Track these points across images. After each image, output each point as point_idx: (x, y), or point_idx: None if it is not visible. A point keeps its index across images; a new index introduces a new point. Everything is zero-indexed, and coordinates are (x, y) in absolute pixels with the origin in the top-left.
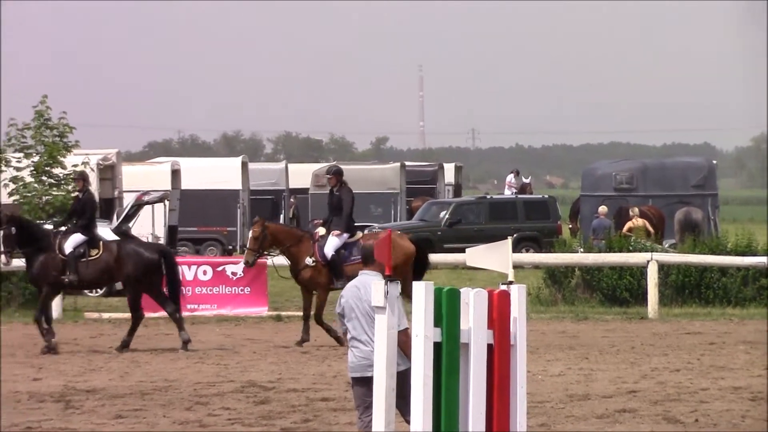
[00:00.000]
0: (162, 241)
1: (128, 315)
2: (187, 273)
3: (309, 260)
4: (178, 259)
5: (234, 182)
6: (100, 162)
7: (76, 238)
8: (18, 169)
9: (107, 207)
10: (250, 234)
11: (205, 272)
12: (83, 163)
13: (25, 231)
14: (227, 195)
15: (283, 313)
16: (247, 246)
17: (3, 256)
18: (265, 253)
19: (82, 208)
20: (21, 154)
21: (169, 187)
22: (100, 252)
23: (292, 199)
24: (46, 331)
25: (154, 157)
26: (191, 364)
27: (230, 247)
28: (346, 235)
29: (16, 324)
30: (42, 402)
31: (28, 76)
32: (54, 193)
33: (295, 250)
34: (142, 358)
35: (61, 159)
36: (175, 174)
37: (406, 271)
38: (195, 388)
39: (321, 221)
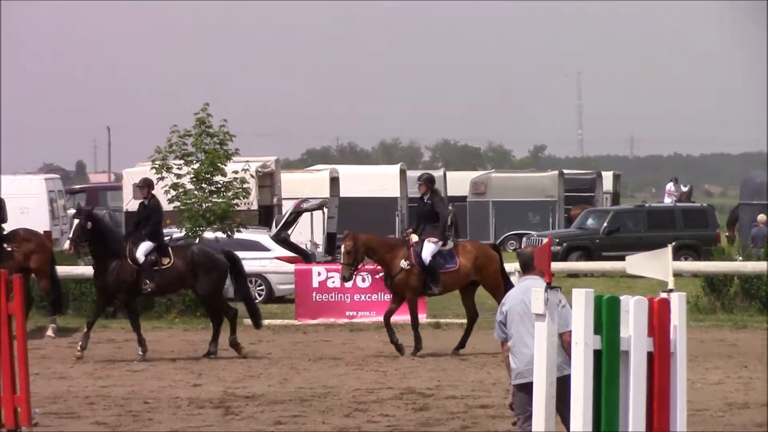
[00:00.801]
0: (320, 249)
1: (288, 321)
2: None
3: (404, 263)
4: (338, 266)
5: (392, 190)
6: (260, 169)
7: (146, 245)
8: (179, 176)
9: (266, 214)
10: (343, 248)
11: (364, 279)
12: (244, 170)
13: (100, 231)
14: (386, 202)
15: (442, 321)
16: (342, 261)
17: (69, 244)
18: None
19: (147, 215)
20: (182, 161)
21: (327, 194)
22: (172, 260)
23: (450, 207)
24: (84, 336)
25: (312, 165)
26: (350, 371)
27: None
28: (440, 243)
29: (175, 330)
30: (202, 408)
31: (186, 83)
32: (214, 200)
33: (390, 256)
34: (301, 364)
35: (222, 166)
36: (334, 181)
37: (498, 279)
38: (354, 394)
39: (411, 230)
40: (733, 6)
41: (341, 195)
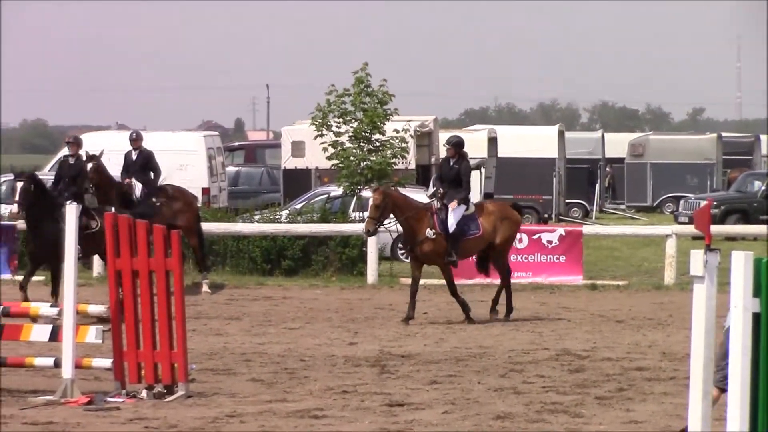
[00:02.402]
0: None
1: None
2: None
3: (430, 232)
4: None
5: (550, 151)
6: (418, 129)
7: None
8: (337, 134)
9: (424, 174)
10: (371, 202)
11: (521, 240)
12: (404, 129)
13: (39, 194)
14: (543, 163)
15: (598, 282)
16: (368, 215)
17: (17, 207)
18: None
19: (75, 175)
20: (341, 120)
21: (485, 154)
22: (99, 224)
23: (608, 169)
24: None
25: (470, 125)
26: (506, 331)
27: (546, 216)
28: (464, 207)
29: (332, 288)
30: (357, 366)
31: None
32: (372, 158)
33: (414, 221)
34: (457, 324)
35: (381, 125)
36: (492, 141)
37: (507, 246)
38: (510, 355)
39: (432, 192)
40: None
41: (499, 155)
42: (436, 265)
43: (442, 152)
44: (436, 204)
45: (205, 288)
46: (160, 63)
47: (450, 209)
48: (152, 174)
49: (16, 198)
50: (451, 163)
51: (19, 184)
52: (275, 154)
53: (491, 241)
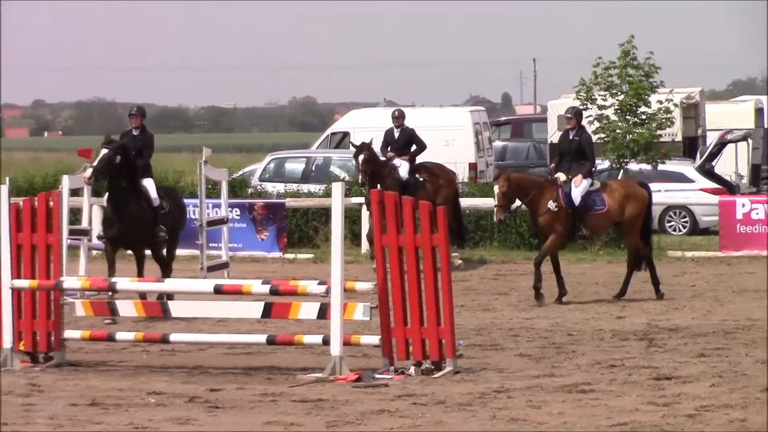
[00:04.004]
0: (745, 181)
1: (712, 253)
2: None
3: (552, 205)
4: (763, 198)
5: None
6: (684, 101)
7: (152, 184)
8: (603, 107)
9: (690, 145)
10: (496, 189)
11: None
12: (667, 100)
13: (125, 169)
14: None
15: None
16: (496, 203)
17: (90, 172)
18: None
19: (141, 147)
20: (607, 93)
21: (752, 125)
22: (168, 205)
23: None
24: None
25: (737, 96)
26: None
27: None
28: (588, 181)
29: (599, 262)
30: (625, 340)
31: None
32: (638, 131)
33: (538, 196)
34: (725, 296)
35: (646, 98)
36: (758, 113)
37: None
38: None
39: (553, 165)
40: None
41: (766, 126)
42: (549, 240)
43: (709, 123)
44: (562, 178)
45: (458, 262)
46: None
47: (574, 185)
48: (416, 149)
49: (94, 163)
50: (571, 136)
51: (104, 151)
52: (542, 128)
53: (618, 220)
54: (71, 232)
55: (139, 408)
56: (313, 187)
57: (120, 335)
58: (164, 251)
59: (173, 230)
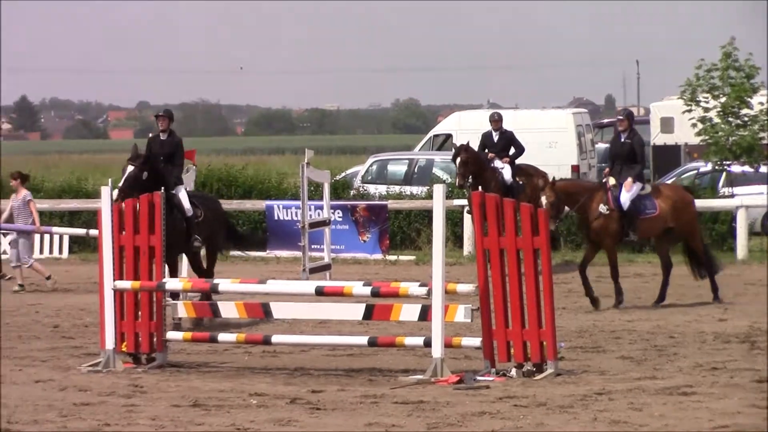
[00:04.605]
0: None
1: None
2: None
3: (603, 208)
4: None
5: None
6: None
7: (184, 194)
8: (706, 109)
9: None
10: (544, 200)
11: None
12: None
13: (153, 185)
14: None
15: None
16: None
17: (116, 194)
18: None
19: (171, 153)
20: (709, 95)
21: None
22: (202, 213)
23: None
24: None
25: None
26: None
27: None
28: (639, 185)
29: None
30: (727, 342)
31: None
32: (740, 133)
33: (588, 202)
34: None
35: (748, 99)
36: None
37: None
38: None
39: (608, 169)
40: None
41: None
42: (605, 246)
43: None
44: (611, 181)
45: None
46: (526, 40)
47: (624, 189)
48: (515, 152)
49: (120, 183)
50: (623, 139)
51: (129, 168)
52: (645, 130)
53: (670, 225)
54: None
55: (241, 409)
56: (415, 189)
57: (222, 336)
58: (203, 260)
59: (210, 239)
